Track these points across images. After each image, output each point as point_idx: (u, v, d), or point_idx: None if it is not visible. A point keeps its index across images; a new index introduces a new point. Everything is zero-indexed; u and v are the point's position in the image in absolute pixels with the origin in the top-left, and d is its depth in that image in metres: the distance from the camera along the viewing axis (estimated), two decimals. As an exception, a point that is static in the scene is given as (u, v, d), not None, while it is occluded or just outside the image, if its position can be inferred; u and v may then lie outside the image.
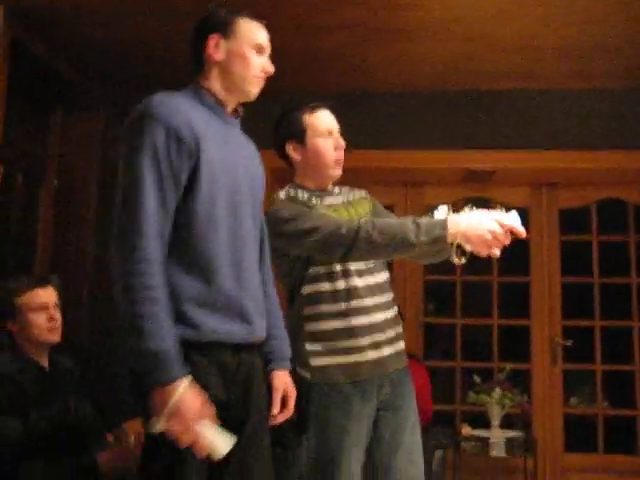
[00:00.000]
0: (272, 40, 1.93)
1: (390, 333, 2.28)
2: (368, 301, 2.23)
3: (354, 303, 2.21)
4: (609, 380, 4.29)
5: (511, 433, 3.87)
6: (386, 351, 2.25)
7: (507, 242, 1.98)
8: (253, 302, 1.81)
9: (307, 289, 2.23)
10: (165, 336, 1.58)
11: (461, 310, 4.41)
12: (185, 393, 1.56)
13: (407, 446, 2.28)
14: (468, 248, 1.98)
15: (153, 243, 1.62)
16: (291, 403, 1.98)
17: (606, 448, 4.18)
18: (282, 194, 2.29)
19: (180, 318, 1.65)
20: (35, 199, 4.17)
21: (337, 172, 2.34)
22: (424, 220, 2.02)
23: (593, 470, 4.11)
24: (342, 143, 2.33)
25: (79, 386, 2.67)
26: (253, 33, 1.87)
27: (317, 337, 2.20)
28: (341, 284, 2.21)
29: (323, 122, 2.32)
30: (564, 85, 4.07)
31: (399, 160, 4.06)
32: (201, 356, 1.68)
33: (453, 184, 4.40)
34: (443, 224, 1.99)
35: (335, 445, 2.15)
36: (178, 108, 1.71)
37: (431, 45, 3.62)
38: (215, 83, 1.85)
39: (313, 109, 2.33)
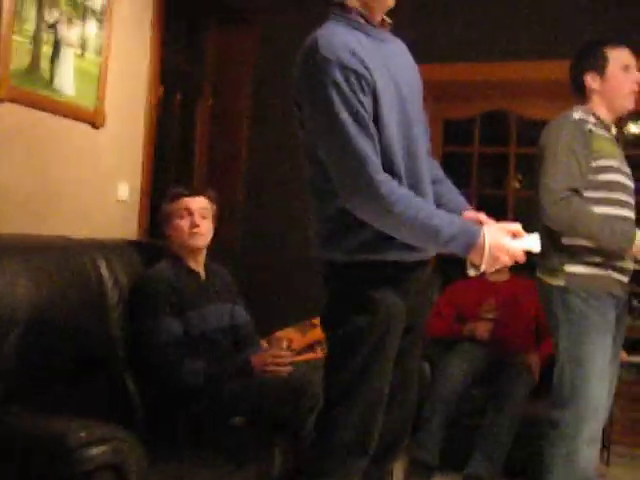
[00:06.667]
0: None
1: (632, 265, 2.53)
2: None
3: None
4: None
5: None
6: (626, 278, 2.52)
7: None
8: None
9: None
10: (448, 217, 1.75)
11: None
12: (488, 234, 1.73)
13: (614, 369, 2.57)
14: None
15: (382, 173, 1.71)
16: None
17: None
18: (576, 115, 2.47)
19: (365, 243, 1.78)
20: (192, 116, 4.32)
21: (630, 105, 2.58)
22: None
23: None
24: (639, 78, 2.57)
25: (233, 293, 2.79)
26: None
27: (580, 249, 2.42)
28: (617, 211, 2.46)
29: (625, 57, 2.56)
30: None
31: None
32: (389, 278, 1.82)
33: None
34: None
35: (588, 349, 2.40)
36: (345, 44, 1.72)
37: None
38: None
39: (615, 44, 2.57)
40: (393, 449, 2.05)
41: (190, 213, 2.63)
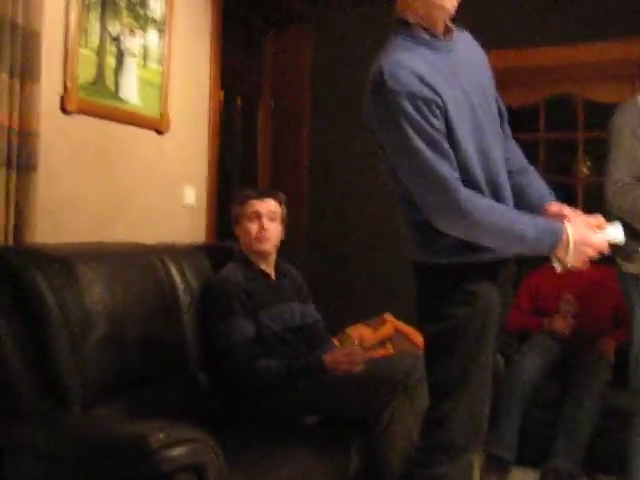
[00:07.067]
0: None
1: None
2: None
3: None
4: None
5: None
6: None
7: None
8: None
9: None
10: (530, 221, 1.79)
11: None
12: (571, 230, 1.77)
13: None
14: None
15: (463, 190, 1.75)
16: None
17: None
18: None
19: (455, 246, 1.83)
20: (253, 119, 4.36)
21: None
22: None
23: None
24: None
25: (304, 293, 2.80)
26: None
27: None
28: None
29: None
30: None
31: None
32: (480, 273, 1.87)
33: None
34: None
35: None
36: (411, 70, 1.74)
37: None
38: (414, 13, 1.82)
39: None
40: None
41: (258, 216, 2.65)
